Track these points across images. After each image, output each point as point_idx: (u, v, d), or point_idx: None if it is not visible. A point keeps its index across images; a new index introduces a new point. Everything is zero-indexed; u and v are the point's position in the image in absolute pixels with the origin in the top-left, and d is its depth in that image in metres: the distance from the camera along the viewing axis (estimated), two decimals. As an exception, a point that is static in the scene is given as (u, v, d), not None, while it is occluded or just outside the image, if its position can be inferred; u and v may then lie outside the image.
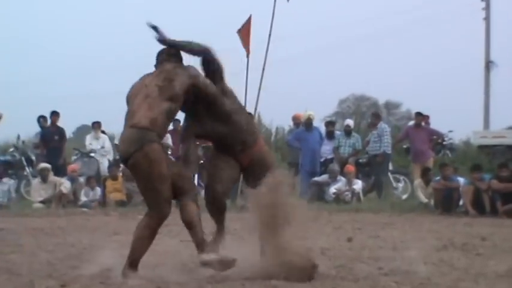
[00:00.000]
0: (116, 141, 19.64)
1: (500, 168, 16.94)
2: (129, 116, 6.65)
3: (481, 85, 37.42)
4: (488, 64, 37.42)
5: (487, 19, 37.84)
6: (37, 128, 20.20)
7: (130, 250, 6.65)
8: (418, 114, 20.38)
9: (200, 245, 6.70)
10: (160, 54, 7.11)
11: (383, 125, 20.08)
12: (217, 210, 7.40)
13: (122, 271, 6.65)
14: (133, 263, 6.62)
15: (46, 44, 79.19)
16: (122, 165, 18.07)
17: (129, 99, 6.83)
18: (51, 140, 19.45)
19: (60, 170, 18.54)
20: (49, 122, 19.95)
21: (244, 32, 16.16)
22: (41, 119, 19.99)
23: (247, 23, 16.19)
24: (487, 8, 37.83)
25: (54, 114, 19.80)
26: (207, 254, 6.65)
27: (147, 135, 6.46)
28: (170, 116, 6.75)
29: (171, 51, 7.09)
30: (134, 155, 6.44)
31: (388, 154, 19.54)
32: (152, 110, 6.53)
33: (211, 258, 6.61)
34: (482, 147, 31.49)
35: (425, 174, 17.27)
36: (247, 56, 16.08)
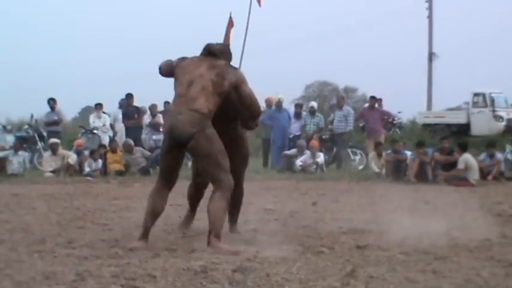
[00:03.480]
0: (112, 121, 19.71)
1: (442, 139, 17.16)
2: (188, 100, 6.33)
3: (425, 73, 37.73)
4: (431, 55, 37.64)
5: (430, 17, 38.10)
6: (47, 109, 20.06)
7: (213, 223, 6.14)
8: (372, 97, 20.55)
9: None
10: (211, 46, 6.72)
11: (348, 108, 20.23)
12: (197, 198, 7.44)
13: (210, 243, 6.11)
14: (218, 234, 6.15)
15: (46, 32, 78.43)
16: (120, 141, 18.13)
17: (180, 77, 6.50)
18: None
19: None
20: (58, 104, 19.90)
21: (228, 30, 15.98)
22: (51, 101, 19.87)
23: (229, 20, 16.02)
24: (430, 8, 38.14)
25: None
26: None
27: (207, 122, 6.28)
28: (216, 110, 6.47)
29: (224, 49, 6.81)
30: (196, 136, 6.20)
31: (351, 132, 19.77)
32: (209, 102, 6.32)
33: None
34: (425, 126, 31.73)
35: (377, 147, 17.33)
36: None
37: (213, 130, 6.31)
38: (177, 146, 6.33)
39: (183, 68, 6.56)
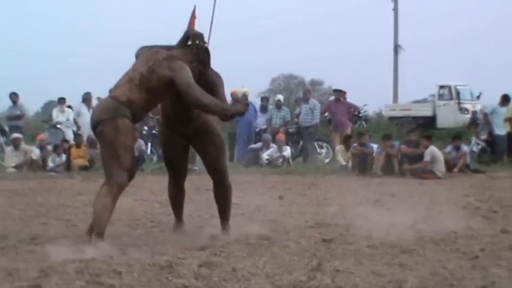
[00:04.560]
0: (75, 116, 19.52)
1: (409, 133, 17.32)
2: (113, 88, 6.21)
3: (391, 65, 37.97)
4: (396, 48, 37.90)
5: (395, 9, 38.41)
6: (9, 103, 19.88)
7: (96, 220, 5.96)
8: (338, 90, 20.58)
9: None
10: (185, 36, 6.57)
11: (314, 101, 20.23)
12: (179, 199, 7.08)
13: (91, 241, 5.90)
14: (100, 232, 5.91)
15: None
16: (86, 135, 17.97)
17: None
18: None
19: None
20: (20, 98, 19.73)
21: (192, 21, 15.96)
22: (13, 95, 19.72)
23: (193, 13, 15.99)
24: (395, 0, 38.33)
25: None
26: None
27: (122, 110, 6.01)
28: (147, 106, 6.27)
29: (201, 49, 6.53)
30: (104, 122, 5.96)
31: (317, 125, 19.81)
32: (132, 93, 6.07)
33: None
34: (392, 118, 32.01)
35: (347, 140, 17.41)
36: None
37: (126, 122, 6.02)
38: (94, 133, 6.20)
39: (138, 58, 6.43)
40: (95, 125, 6.09)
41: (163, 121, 6.90)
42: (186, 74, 6.15)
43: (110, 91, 6.28)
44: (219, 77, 6.65)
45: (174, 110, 6.53)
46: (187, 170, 6.99)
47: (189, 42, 6.58)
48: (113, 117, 5.97)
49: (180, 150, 6.78)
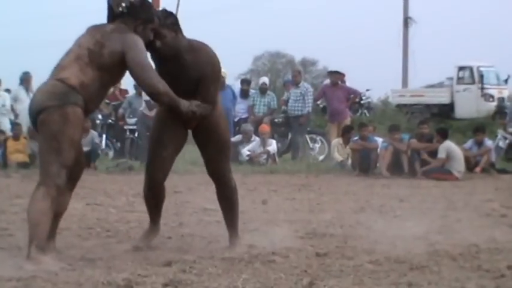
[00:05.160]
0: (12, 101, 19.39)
1: (421, 124, 17.28)
2: (57, 69, 6.10)
3: (400, 42, 37.92)
4: (407, 20, 37.89)
5: (405, -27, 38.36)
6: None
7: (33, 229, 5.84)
8: (335, 72, 20.49)
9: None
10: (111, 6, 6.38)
11: (306, 85, 20.18)
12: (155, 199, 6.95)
13: (29, 255, 5.80)
14: (40, 244, 5.81)
15: None
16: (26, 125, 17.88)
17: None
18: None
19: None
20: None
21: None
22: None
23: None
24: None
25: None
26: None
27: (74, 97, 5.95)
28: (103, 88, 6.24)
29: (132, 10, 6.33)
30: (49, 109, 5.89)
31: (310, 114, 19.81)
32: (83, 74, 6.01)
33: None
34: (400, 106, 32.08)
35: (345, 133, 17.44)
36: None
37: (78, 111, 5.98)
38: (34, 122, 6.11)
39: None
40: (37, 113, 6.02)
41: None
42: (141, 53, 6.16)
43: (53, 72, 6.17)
44: (200, 69, 6.53)
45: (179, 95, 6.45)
46: (171, 166, 6.95)
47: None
48: (62, 104, 5.92)
49: (174, 141, 6.76)
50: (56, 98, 5.94)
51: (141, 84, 6.24)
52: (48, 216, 5.90)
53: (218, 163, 6.85)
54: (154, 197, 6.89)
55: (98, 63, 6.09)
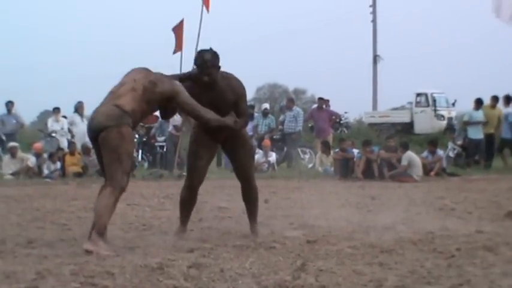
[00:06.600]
0: (69, 125, 19.39)
1: (388, 138, 17.44)
2: (113, 96, 6.17)
3: (370, 74, 38.09)
4: (375, 58, 38.03)
5: (374, 21, 38.54)
6: (4, 111, 19.72)
7: (98, 218, 5.96)
8: (320, 98, 20.72)
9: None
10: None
11: (298, 109, 20.27)
12: (190, 201, 6.89)
13: (90, 237, 5.93)
14: (101, 230, 5.92)
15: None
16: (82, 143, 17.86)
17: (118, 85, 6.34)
18: None
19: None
20: (15, 107, 19.62)
21: (178, 32, 15.96)
22: (9, 103, 19.61)
23: (180, 24, 15.99)
24: (374, 13, 38.61)
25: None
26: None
27: (126, 119, 6.04)
28: (144, 116, 6.37)
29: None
30: (109, 128, 5.96)
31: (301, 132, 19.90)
32: (135, 103, 6.11)
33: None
34: (371, 125, 32.09)
35: (325, 145, 17.74)
36: (174, 53, 15.92)
37: (130, 130, 6.10)
38: (93, 138, 6.16)
39: (124, 76, 6.42)
40: (98, 131, 6.07)
41: (199, 124, 6.77)
42: (187, 95, 6.28)
43: (109, 98, 6.21)
44: (235, 91, 6.62)
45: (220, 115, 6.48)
46: (206, 174, 6.91)
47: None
48: (118, 124, 6.00)
49: (208, 153, 6.77)
50: (113, 119, 6.01)
51: (194, 117, 6.51)
52: (111, 210, 6.02)
53: (247, 166, 6.85)
54: (190, 200, 6.86)
55: (149, 97, 6.20)
